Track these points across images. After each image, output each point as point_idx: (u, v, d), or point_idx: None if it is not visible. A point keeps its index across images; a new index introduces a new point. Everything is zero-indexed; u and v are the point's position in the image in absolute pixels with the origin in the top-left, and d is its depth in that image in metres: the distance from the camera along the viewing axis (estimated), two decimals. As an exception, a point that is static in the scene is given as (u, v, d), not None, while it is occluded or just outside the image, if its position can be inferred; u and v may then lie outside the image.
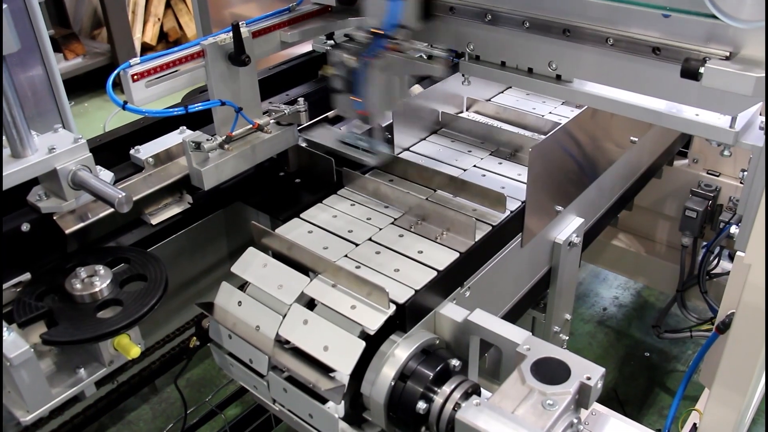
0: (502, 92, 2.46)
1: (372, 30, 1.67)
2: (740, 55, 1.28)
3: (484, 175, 1.98)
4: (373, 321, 1.44)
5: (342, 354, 1.42)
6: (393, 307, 1.46)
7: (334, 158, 1.91)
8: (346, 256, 1.66)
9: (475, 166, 2.03)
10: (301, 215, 1.81)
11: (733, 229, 1.54)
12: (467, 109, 2.35)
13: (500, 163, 2.05)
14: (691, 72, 1.30)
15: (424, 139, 2.19)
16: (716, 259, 2.73)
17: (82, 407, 1.68)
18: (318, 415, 1.52)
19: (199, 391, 2.98)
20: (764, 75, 1.24)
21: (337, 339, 1.45)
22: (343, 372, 1.42)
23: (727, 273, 2.68)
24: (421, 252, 1.66)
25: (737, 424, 1.75)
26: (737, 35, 1.28)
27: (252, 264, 1.62)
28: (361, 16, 1.89)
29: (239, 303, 1.59)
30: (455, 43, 1.79)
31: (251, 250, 1.65)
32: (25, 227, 1.53)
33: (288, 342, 1.51)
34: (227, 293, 1.62)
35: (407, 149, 2.13)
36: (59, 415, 1.59)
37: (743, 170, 1.46)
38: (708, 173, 2.78)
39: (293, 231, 1.75)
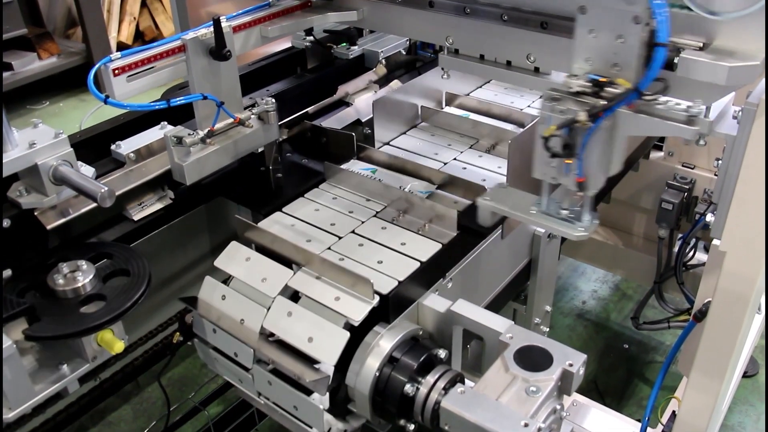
0: (481, 86, 2.48)
1: (620, 82, 1.34)
2: (714, 45, 1.31)
3: (465, 168, 2.00)
4: (358, 312, 1.45)
5: (326, 345, 1.43)
6: (377, 298, 1.47)
7: (316, 152, 1.92)
8: (329, 248, 1.67)
9: (455, 159, 2.05)
10: (283, 209, 1.82)
11: (709, 217, 1.57)
12: (447, 104, 2.37)
13: (480, 156, 2.07)
14: (666, 62, 1.32)
15: (404, 133, 2.21)
16: (692, 251, 2.78)
17: (64, 404, 1.68)
18: (303, 407, 1.53)
19: (180, 389, 2.97)
20: (738, 64, 1.26)
21: (321, 330, 1.46)
22: (328, 363, 1.43)
23: (703, 264, 2.72)
24: (404, 244, 1.67)
25: (715, 410, 1.78)
26: (711, 26, 1.31)
27: (235, 258, 1.63)
28: (342, 11, 1.90)
29: (223, 297, 1.60)
30: (435, 38, 1.80)
31: (234, 244, 1.65)
32: (6, 223, 1.52)
33: (272, 334, 1.52)
34: (211, 287, 1.62)
35: (387, 143, 2.15)
36: (42, 413, 1.58)
37: (717, 159, 1.49)
38: (683, 166, 2.83)
39: (276, 224, 1.76)
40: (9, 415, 1.43)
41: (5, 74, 5.27)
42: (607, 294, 3.55)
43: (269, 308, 1.52)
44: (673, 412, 2.22)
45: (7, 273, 1.53)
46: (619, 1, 1.27)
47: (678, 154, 2.83)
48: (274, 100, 1.82)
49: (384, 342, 1.49)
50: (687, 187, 2.75)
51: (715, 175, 2.71)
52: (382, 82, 2.45)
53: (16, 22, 5.14)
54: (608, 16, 1.31)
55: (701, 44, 1.32)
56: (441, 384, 1.44)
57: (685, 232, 2.76)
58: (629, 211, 3.10)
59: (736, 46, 1.29)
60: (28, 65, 5.44)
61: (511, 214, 1.61)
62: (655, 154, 2.90)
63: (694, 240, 2.73)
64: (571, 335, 3.30)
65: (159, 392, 2.90)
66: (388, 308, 1.51)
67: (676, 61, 1.31)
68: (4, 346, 1.34)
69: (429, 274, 1.64)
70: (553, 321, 3.19)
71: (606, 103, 1.33)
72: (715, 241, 1.54)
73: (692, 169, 2.80)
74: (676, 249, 2.81)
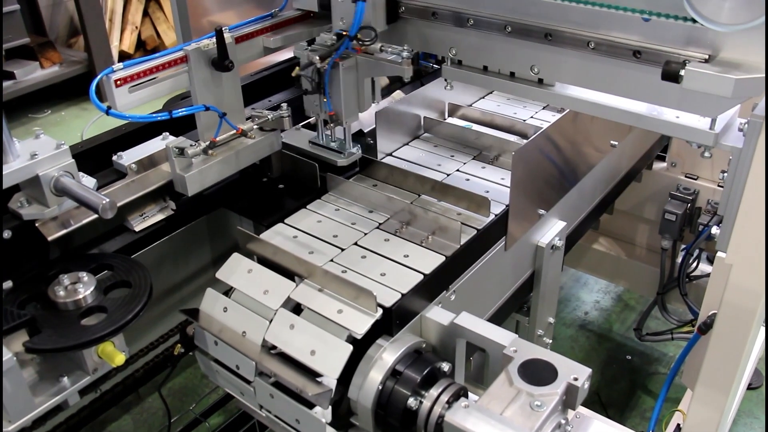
0: (483, 97, 2.48)
1: (338, 32, 1.73)
2: (719, 57, 1.31)
3: (468, 180, 1.99)
4: (360, 325, 1.44)
5: (329, 358, 1.42)
6: (380, 311, 1.46)
7: (318, 163, 1.91)
8: (331, 260, 1.66)
9: (458, 170, 2.05)
10: (286, 220, 1.81)
11: (714, 230, 1.56)
12: (449, 114, 2.36)
13: (483, 168, 2.06)
14: (671, 74, 1.32)
15: (407, 144, 2.20)
16: (695, 262, 2.77)
17: (65, 416, 1.66)
18: (305, 420, 1.51)
19: (181, 400, 2.95)
20: (744, 77, 1.26)
21: (323, 343, 1.44)
22: (331, 376, 1.41)
23: (707, 275, 2.71)
24: (407, 256, 1.66)
25: (721, 424, 1.77)
26: (716, 38, 1.31)
27: (237, 270, 1.62)
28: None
29: (225, 309, 1.58)
30: (438, 48, 1.80)
31: (236, 256, 1.64)
32: (7, 234, 1.51)
33: (275, 347, 1.51)
34: (212, 299, 1.61)
35: (390, 154, 2.14)
36: (42, 425, 1.57)
37: (723, 171, 1.48)
38: (686, 177, 2.82)
39: (278, 236, 1.75)
40: (9, 428, 1.42)
41: (7, 83, 5.28)
42: (610, 305, 3.54)
43: (271, 321, 1.51)
44: (678, 425, 2.21)
45: (8, 284, 1.52)
46: None
47: (681, 165, 2.83)
48: (288, 106, 1.83)
49: (387, 355, 1.48)
50: (690, 197, 2.74)
51: (719, 186, 2.71)
52: (385, 92, 2.44)
53: (19, 31, 5.16)
54: None
55: (707, 56, 1.32)
56: (444, 398, 1.42)
57: (688, 242, 2.75)
58: (632, 222, 3.10)
59: (741, 59, 1.29)
60: (31, 74, 5.46)
61: (296, 148, 1.95)
62: (658, 165, 2.89)
63: (697, 251, 2.72)
64: (574, 346, 3.29)
65: (160, 403, 2.89)
66: (391, 321, 1.49)
67: (681, 73, 1.31)
68: (4, 359, 1.32)
69: (432, 286, 1.62)
70: (555, 332, 3.17)
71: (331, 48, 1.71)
72: (720, 254, 1.53)
73: (695, 179, 2.80)
74: (679, 260, 2.80)
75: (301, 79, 1.79)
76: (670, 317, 2.93)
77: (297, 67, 1.77)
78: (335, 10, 1.80)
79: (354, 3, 1.68)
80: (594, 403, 2.92)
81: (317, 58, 1.70)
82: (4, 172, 1.42)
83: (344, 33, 1.72)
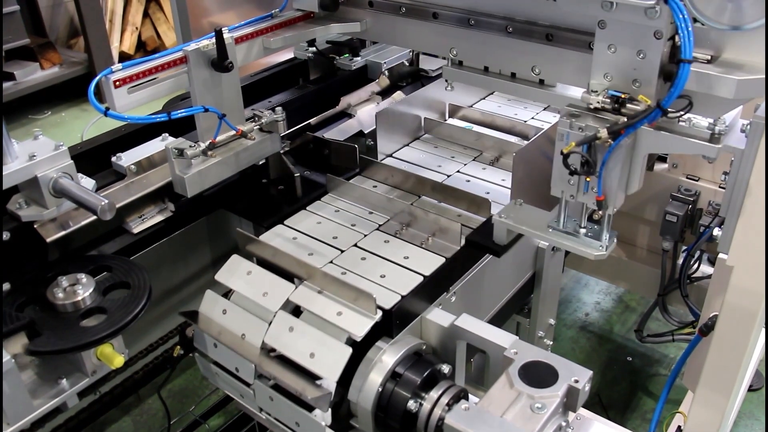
0: (484, 98, 2.47)
1: (615, 95, 1.34)
2: (722, 58, 1.30)
3: (469, 181, 1.99)
4: (360, 327, 1.43)
5: (328, 361, 1.42)
6: (380, 313, 1.45)
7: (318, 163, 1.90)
8: (331, 262, 1.65)
9: (459, 171, 2.04)
10: (285, 222, 1.80)
11: (716, 231, 1.55)
12: (450, 115, 2.35)
13: (484, 169, 2.06)
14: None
15: (407, 145, 2.20)
16: (697, 263, 2.75)
17: (63, 419, 1.66)
18: (305, 423, 1.51)
19: (181, 401, 2.95)
20: (746, 78, 1.25)
21: (323, 346, 1.44)
22: (330, 379, 1.41)
23: (708, 277, 2.70)
24: (407, 257, 1.66)
25: (721, 426, 1.76)
26: (719, 39, 1.30)
27: (236, 271, 1.61)
28: (345, 22, 1.90)
29: (224, 311, 1.58)
30: (438, 49, 1.79)
31: (235, 258, 1.64)
32: (5, 236, 1.51)
33: (274, 350, 1.50)
34: (212, 301, 1.61)
35: (390, 155, 2.13)
36: (40, 427, 1.56)
37: (725, 173, 1.47)
38: (688, 178, 2.81)
39: (277, 238, 1.74)
40: (8, 431, 1.42)
41: (7, 84, 5.28)
42: (611, 306, 3.53)
43: (270, 323, 1.50)
44: (679, 427, 2.20)
45: (6, 286, 1.51)
46: (640, 15, 1.25)
47: (682, 166, 2.81)
48: (282, 110, 1.81)
49: (387, 357, 1.47)
50: (691, 199, 2.72)
51: (720, 187, 2.69)
52: (385, 93, 2.44)
53: (19, 32, 5.14)
54: (628, 30, 1.29)
55: (709, 57, 1.31)
56: (445, 400, 1.42)
57: (689, 244, 2.74)
58: (633, 223, 3.08)
59: (744, 59, 1.28)
60: (31, 75, 5.45)
61: (529, 233, 1.59)
62: (659, 166, 2.88)
63: (698, 252, 2.71)
64: (575, 347, 3.28)
65: (159, 404, 2.87)
66: (391, 323, 1.49)
67: (683, 73, 1.30)
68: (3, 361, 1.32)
69: (432, 288, 1.62)
70: (556, 333, 3.16)
71: (627, 120, 1.32)
72: (721, 255, 1.52)
73: (697, 181, 2.78)
74: (680, 261, 2.79)
75: (567, 157, 1.39)
76: (671, 319, 2.92)
77: (572, 143, 1.37)
78: (599, 61, 1.36)
79: (678, 65, 1.22)
80: (595, 405, 2.91)
81: (604, 132, 1.32)
82: (3, 174, 1.41)
83: (629, 98, 1.33)
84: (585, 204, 1.49)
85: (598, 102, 1.36)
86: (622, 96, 1.33)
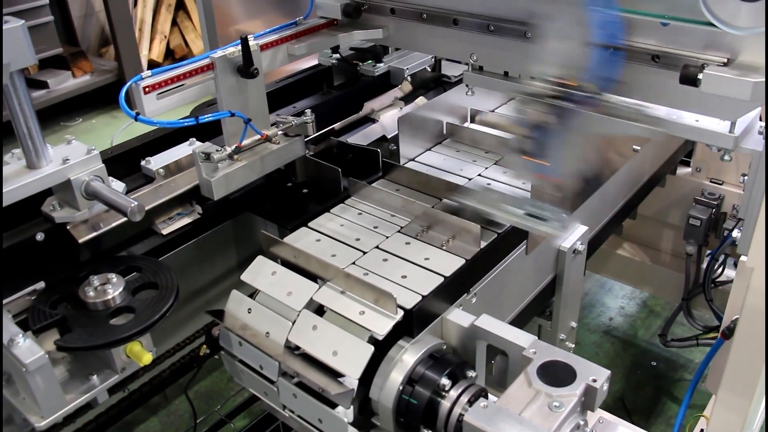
0: (506, 103, 2.49)
1: (581, 84, 1.42)
2: (738, 61, 1.31)
3: (489, 184, 2.01)
4: (382, 326, 1.46)
5: (351, 359, 1.44)
6: (401, 313, 1.48)
7: (341, 168, 1.94)
8: (353, 263, 1.68)
9: (479, 175, 2.06)
10: (309, 224, 1.84)
11: (735, 233, 1.56)
12: (471, 120, 2.38)
13: (505, 173, 2.07)
14: (690, 78, 1.33)
15: (430, 149, 2.22)
16: (721, 267, 2.74)
17: (94, 415, 1.71)
18: (327, 419, 1.54)
19: (207, 402, 3.00)
20: (762, 80, 1.26)
21: (345, 344, 1.47)
22: (352, 376, 1.44)
23: (732, 281, 2.69)
24: (428, 259, 1.68)
25: (745, 429, 1.75)
26: (734, 42, 1.31)
27: (261, 272, 1.65)
28: (368, 29, 1.93)
29: (249, 310, 1.62)
30: (459, 55, 1.82)
31: (260, 259, 1.68)
32: (40, 237, 1.56)
33: (298, 348, 1.54)
34: (237, 301, 1.64)
35: (413, 159, 2.16)
36: (71, 422, 1.61)
37: (744, 174, 1.48)
38: (711, 181, 2.80)
39: (301, 240, 1.78)
40: (41, 424, 1.46)
41: (40, 92, 5.40)
42: (635, 311, 3.52)
43: (294, 321, 1.54)
44: (702, 430, 2.19)
45: (41, 285, 1.57)
46: (577, 8, 1.36)
47: (706, 170, 2.81)
48: (312, 112, 1.85)
49: (408, 356, 1.50)
50: (715, 202, 2.72)
51: (744, 190, 2.68)
52: (408, 98, 2.47)
53: (53, 41, 5.26)
54: (568, 22, 1.41)
55: (725, 60, 1.33)
56: (464, 398, 1.44)
57: (713, 248, 2.73)
58: (656, 227, 3.08)
59: (759, 62, 1.29)
60: (63, 83, 5.58)
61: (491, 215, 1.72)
62: (682, 170, 2.88)
63: (722, 256, 2.69)
64: (598, 352, 3.27)
65: (186, 405, 2.93)
66: (412, 323, 1.51)
67: (700, 77, 1.32)
68: (36, 357, 1.37)
69: (453, 289, 1.64)
70: (579, 337, 3.17)
71: (570, 104, 1.45)
72: (742, 257, 1.53)
73: (720, 184, 2.77)
74: (704, 265, 2.78)
75: (515, 141, 1.49)
76: (695, 323, 2.91)
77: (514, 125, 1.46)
78: (547, 50, 1.46)
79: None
80: (619, 409, 2.91)
81: (548, 114, 1.42)
82: (37, 177, 1.47)
83: (588, 85, 1.41)
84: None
85: (546, 89, 1.50)
86: (566, 82, 1.45)
